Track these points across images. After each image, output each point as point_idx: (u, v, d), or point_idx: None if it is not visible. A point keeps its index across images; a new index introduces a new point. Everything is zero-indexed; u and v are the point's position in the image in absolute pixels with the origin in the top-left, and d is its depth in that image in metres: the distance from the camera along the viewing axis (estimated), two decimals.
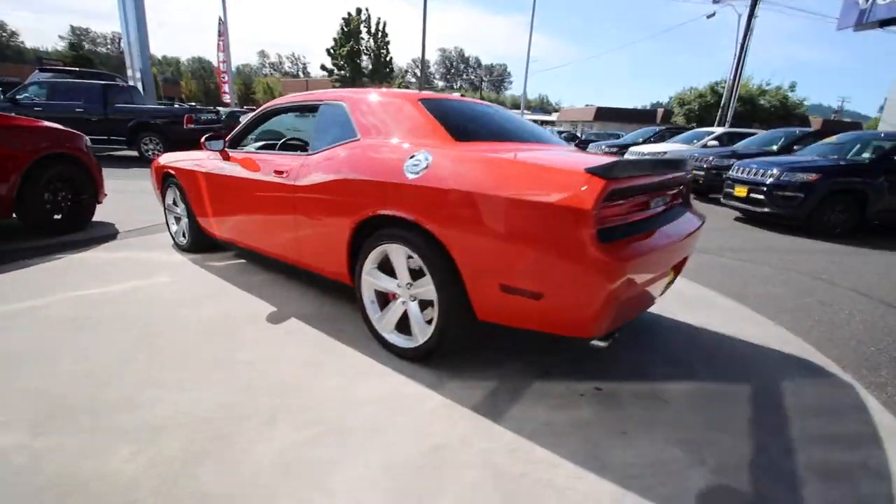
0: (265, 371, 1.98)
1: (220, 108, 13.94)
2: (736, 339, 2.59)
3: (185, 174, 3.35)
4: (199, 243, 3.60)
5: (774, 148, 7.98)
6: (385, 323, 2.18)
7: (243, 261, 3.51)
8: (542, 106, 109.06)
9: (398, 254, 2.03)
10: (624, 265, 1.52)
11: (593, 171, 1.55)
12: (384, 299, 2.25)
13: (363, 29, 27.42)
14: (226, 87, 18.03)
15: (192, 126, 9.56)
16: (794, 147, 7.77)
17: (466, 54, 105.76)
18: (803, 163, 5.74)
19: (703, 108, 33.23)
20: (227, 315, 2.53)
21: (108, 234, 4.14)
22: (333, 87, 27.90)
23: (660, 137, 12.42)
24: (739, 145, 9.09)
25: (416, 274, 2.03)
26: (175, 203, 3.74)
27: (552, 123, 49.30)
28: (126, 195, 5.81)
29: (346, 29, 26.76)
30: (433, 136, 2.03)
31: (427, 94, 2.48)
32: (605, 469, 1.50)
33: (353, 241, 2.21)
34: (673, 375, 2.13)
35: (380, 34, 27.96)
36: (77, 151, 4.11)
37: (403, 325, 2.14)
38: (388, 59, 28.36)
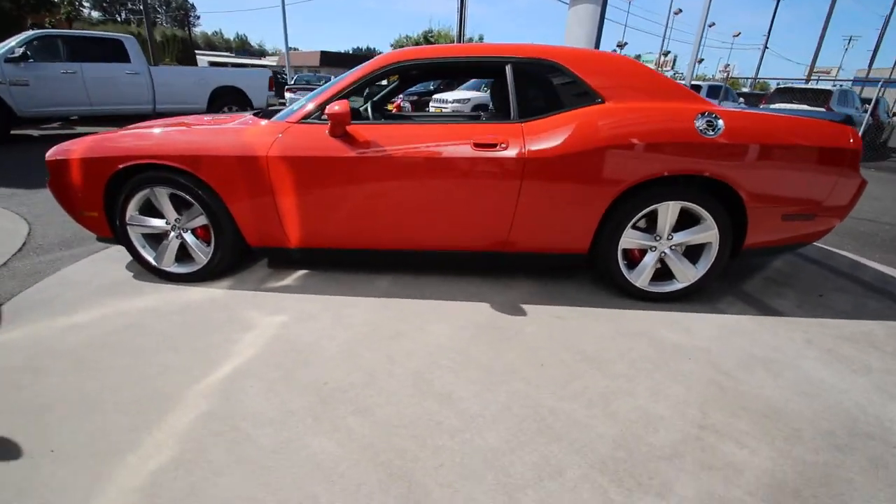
0: (655, 359, 1.92)
1: None
2: None
3: (227, 165, 2.19)
4: (228, 263, 2.49)
5: None
6: (644, 278, 2.34)
7: (305, 271, 2.66)
8: (244, 47, 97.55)
9: (670, 209, 2.20)
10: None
11: (843, 122, 2.18)
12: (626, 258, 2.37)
13: None
14: None
15: None
16: None
17: None
18: None
19: None
20: (480, 326, 2.10)
21: None
22: None
23: (447, 85, 13.59)
24: None
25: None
26: (152, 213, 2.40)
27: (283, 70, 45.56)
28: None
29: None
30: (689, 98, 2.19)
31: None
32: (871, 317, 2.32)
33: (610, 207, 2.21)
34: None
35: None
36: None
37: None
38: None
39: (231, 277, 2.54)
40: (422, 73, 3.05)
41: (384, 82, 2.74)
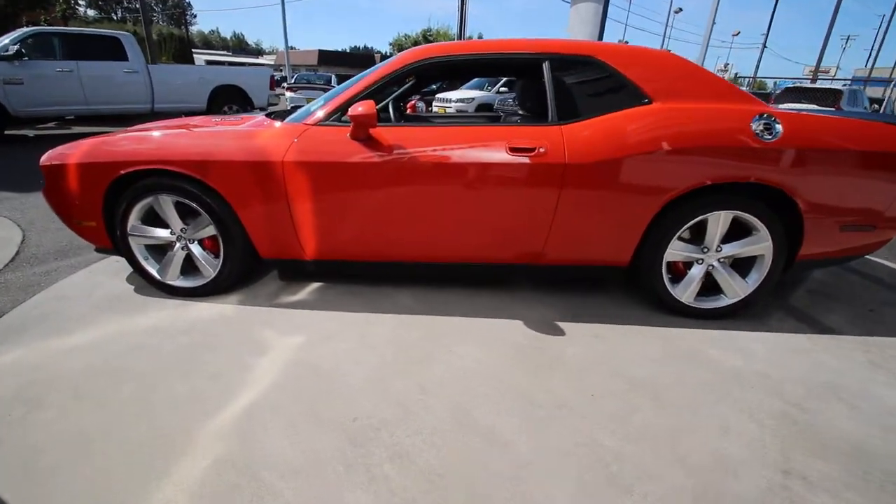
0: (714, 386, 1.75)
1: None
2: None
3: (239, 171, 2.00)
4: (238, 276, 2.31)
5: None
6: (690, 292, 2.16)
7: (319, 283, 2.47)
8: (241, 46, 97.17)
9: (721, 219, 2.03)
10: None
11: None
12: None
13: None
14: None
15: None
16: None
17: None
18: None
19: None
20: (517, 347, 1.92)
21: None
22: None
23: (450, 84, 13.40)
24: None
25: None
26: (155, 223, 2.21)
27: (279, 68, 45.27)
28: None
29: None
30: (743, 98, 2.01)
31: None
32: None
33: (656, 216, 2.03)
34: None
35: None
36: None
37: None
38: None
39: (240, 291, 2.35)
40: (448, 72, 2.87)
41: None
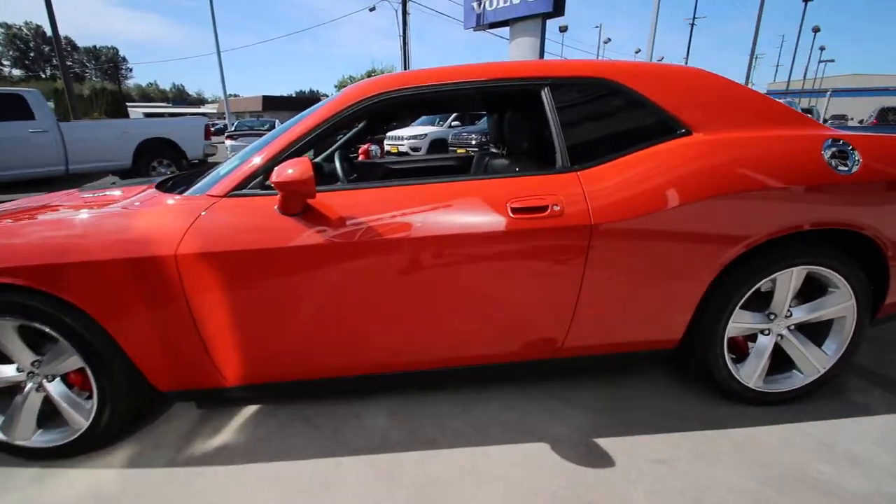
0: None
1: None
2: None
3: (107, 275, 1.31)
4: (126, 418, 1.57)
5: None
6: (759, 373, 1.63)
7: (254, 408, 1.77)
8: (182, 97, 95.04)
9: (794, 277, 1.53)
10: None
11: None
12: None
13: None
14: None
15: None
16: None
17: (50, 33, 78.53)
18: None
19: None
20: None
21: None
22: None
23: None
24: (481, 123, 10.71)
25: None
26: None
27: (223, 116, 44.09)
28: None
29: None
30: (801, 121, 1.56)
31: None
32: None
33: (714, 281, 1.51)
34: None
35: None
36: None
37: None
38: None
39: (134, 438, 1.61)
40: (409, 108, 2.31)
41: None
